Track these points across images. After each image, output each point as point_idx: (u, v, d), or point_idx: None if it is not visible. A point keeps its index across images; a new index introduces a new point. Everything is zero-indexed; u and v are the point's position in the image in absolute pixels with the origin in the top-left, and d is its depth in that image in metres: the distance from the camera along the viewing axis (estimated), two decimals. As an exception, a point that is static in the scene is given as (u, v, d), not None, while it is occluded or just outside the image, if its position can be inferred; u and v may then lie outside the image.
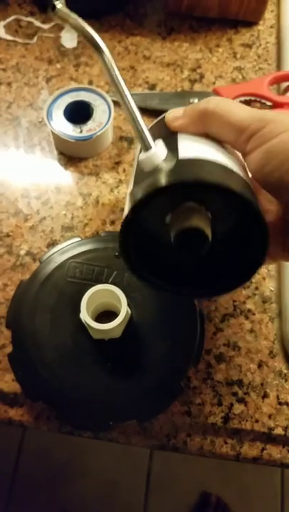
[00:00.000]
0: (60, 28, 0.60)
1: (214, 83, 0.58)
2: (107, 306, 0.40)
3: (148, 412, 0.37)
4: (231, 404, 0.41)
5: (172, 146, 0.27)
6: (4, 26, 0.60)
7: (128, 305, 0.36)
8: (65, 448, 1.17)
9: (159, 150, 0.26)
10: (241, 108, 0.28)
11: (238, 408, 0.41)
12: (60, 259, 0.42)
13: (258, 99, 0.54)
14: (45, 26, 0.60)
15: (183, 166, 0.24)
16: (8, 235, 0.47)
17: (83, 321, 0.36)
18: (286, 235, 0.29)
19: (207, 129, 0.29)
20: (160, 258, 0.30)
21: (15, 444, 1.22)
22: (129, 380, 0.37)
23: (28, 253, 0.46)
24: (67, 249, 0.43)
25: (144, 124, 0.27)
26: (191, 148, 0.27)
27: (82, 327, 0.37)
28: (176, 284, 0.30)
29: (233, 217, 0.27)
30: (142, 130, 0.27)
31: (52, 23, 0.60)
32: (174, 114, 0.30)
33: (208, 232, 0.25)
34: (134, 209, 0.24)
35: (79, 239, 0.44)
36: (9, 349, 0.40)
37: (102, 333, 0.35)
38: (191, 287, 0.30)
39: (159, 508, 1.17)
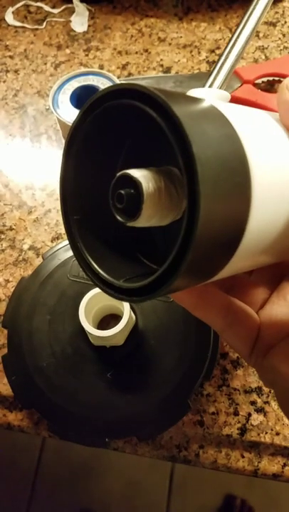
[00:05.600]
0: (71, 12, 0.57)
1: (234, 64, 0.54)
2: (111, 309, 0.36)
3: (149, 430, 0.34)
4: (249, 415, 0.37)
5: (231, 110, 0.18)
6: (13, 12, 0.57)
7: (133, 310, 0.33)
8: (86, 445, 1.15)
9: (208, 93, 0.20)
10: None
11: (257, 419, 0.37)
12: (64, 256, 0.39)
13: (283, 80, 0.50)
14: (55, 11, 0.57)
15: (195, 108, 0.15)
16: (11, 229, 0.44)
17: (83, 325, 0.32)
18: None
19: None
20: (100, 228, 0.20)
21: (37, 440, 1.21)
22: (130, 394, 0.34)
23: (31, 247, 0.43)
24: (72, 246, 0.40)
25: (227, 71, 0.23)
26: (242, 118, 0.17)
27: (83, 331, 0.34)
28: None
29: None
30: (219, 70, 0.22)
31: (62, 7, 0.58)
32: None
33: (143, 183, 0.16)
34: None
35: None
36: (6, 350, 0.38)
37: (103, 339, 0.32)
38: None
39: (182, 510, 1.14)
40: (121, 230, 0.19)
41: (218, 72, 0.22)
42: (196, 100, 0.16)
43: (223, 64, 0.22)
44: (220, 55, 0.23)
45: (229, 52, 0.23)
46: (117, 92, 0.16)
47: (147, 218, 0.16)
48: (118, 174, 0.16)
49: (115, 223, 0.17)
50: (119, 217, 0.16)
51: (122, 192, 0.16)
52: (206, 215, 0.13)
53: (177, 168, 0.17)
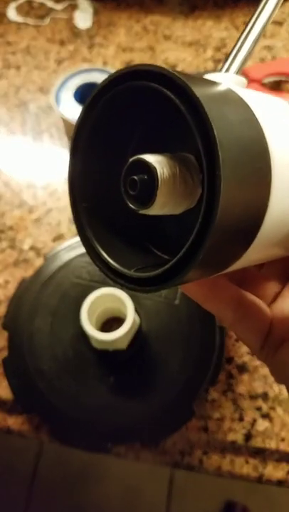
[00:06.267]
0: (74, 8, 0.56)
1: (240, 63, 0.53)
2: (114, 311, 0.35)
3: (153, 435, 0.33)
4: (254, 420, 0.36)
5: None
6: (15, 8, 0.57)
7: (137, 313, 0.32)
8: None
9: (225, 77, 0.20)
10: None
11: (262, 425, 0.36)
12: (66, 256, 0.38)
13: (289, 79, 0.49)
14: (58, 7, 0.57)
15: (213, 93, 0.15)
16: (11, 228, 0.43)
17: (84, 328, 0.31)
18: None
19: None
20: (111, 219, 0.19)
21: (35, 445, 1.20)
22: (133, 398, 0.33)
23: (32, 248, 0.42)
24: (75, 246, 0.39)
25: (244, 56, 0.21)
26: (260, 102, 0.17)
27: (85, 334, 0.33)
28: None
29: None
30: (236, 55, 0.21)
31: (65, 4, 0.57)
32: None
33: (159, 170, 0.15)
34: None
35: None
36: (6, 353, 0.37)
37: (105, 343, 0.31)
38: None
39: (181, 516, 1.13)
40: (131, 219, 0.18)
41: (235, 56, 0.21)
42: (214, 84, 0.15)
43: (240, 48, 0.21)
44: (237, 40, 0.22)
45: (247, 35, 0.22)
46: (131, 74, 0.15)
47: (161, 206, 0.15)
48: (131, 159, 0.15)
49: (125, 212, 0.16)
50: (131, 205, 0.15)
51: (136, 178, 0.15)
52: (226, 200, 0.13)
53: (193, 154, 0.16)
